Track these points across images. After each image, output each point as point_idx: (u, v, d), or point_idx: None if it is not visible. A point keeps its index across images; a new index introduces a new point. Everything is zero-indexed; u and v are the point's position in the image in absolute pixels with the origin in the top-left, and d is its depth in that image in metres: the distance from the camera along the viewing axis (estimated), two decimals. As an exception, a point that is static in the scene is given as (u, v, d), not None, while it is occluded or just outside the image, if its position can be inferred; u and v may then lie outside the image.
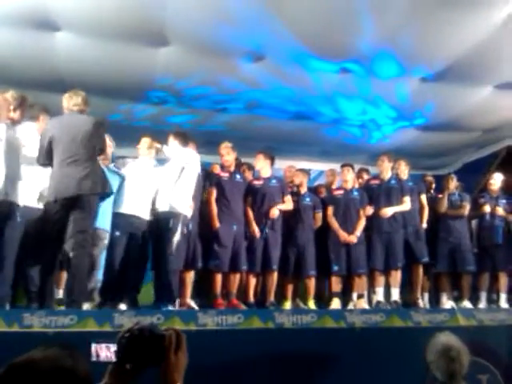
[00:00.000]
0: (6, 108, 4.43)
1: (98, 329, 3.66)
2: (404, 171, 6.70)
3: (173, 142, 5.45)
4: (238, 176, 6.02)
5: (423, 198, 6.72)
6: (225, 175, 5.92)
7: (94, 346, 1.47)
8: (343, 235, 6.14)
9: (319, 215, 6.37)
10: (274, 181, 6.14)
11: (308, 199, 6.36)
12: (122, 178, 5.49)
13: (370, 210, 6.30)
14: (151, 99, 6.74)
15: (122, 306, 4.88)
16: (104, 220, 5.20)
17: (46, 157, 4.49)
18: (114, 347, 1.45)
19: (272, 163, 6.30)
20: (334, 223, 6.24)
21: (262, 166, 6.20)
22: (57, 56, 5.55)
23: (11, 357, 1.22)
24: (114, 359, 1.44)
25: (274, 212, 5.90)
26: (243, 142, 6.50)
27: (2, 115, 4.35)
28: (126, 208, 5.33)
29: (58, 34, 5.24)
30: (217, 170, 6.09)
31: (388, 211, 6.26)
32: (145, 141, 5.65)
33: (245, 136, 7.21)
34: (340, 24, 5.32)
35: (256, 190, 6.04)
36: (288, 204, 6.09)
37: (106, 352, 1.49)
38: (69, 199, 4.35)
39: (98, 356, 1.47)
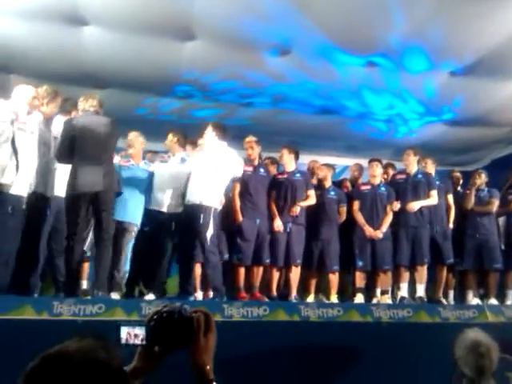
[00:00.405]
0: (39, 102, 4.52)
1: (125, 317, 3.70)
2: (431, 170, 6.62)
3: (210, 134, 5.41)
4: (261, 170, 6.00)
5: (450, 197, 6.60)
6: (248, 169, 5.88)
7: (123, 329, 1.48)
8: (369, 230, 6.09)
9: (343, 209, 6.33)
10: (298, 175, 6.10)
11: (332, 193, 6.31)
12: (151, 175, 5.61)
13: (397, 206, 6.24)
14: (176, 93, 6.78)
15: (150, 297, 4.97)
16: (132, 214, 5.34)
17: (67, 155, 4.57)
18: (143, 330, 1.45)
19: (296, 158, 6.27)
20: (360, 218, 6.20)
21: (287, 161, 6.17)
22: (85, 50, 5.62)
23: (41, 344, 1.23)
24: (143, 341, 1.43)
25: (296, 209, 5.86)
26: (268, 137, 6.50)
27: (34, 108, 4.44)
28: (152, 204, 5.48)
29: (86, 29, 5.31)
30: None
31: (415, 205, 6.19)
32: (170, 136, 5.72)
33: (270, 130, 7.20)
34: (368, 18, 5.27)
35: (280, 184, 6.01)
36: (311, 199, 6.03)
37: (135, 335, 1.49)
38: (94, 194, 4.49)
39: (127, 339, 1.48)
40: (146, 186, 5.52)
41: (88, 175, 4.47)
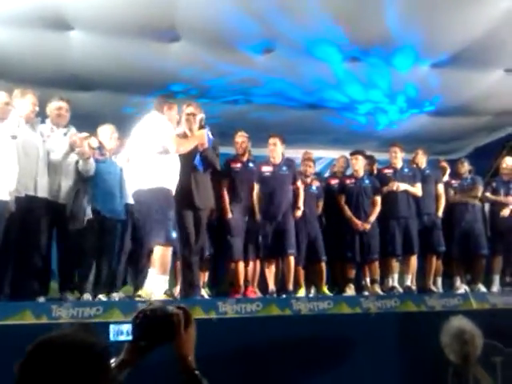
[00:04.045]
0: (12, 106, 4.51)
1: (123, 318, 3.75)
2: (422, 160, 6.74)
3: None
4: (251, 165, 6.00)
5: (440, 187, 6.67)
6: (237, 166, 5.89)
7: (112, 327, 1.60)
8: (356, 223, 6.20)
9: (321, 204, 6.41)
10: (284, 168, 5.99)
11: (314, 188, 6.38)
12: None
13: (395, 185, 6.31)
14: (162, 92, 6.80)
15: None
16: (118, 208, 5.23)
17: None
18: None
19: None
20: (347, 211, 6.29)
21: (278, 152, 6.01)
22: (71, 54, 5.64)
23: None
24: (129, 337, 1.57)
25: (299, 213, 5.91)
26: (254, 134, 6.56)
27: (7, 113, 4.40)
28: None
29: (72, 33, 5.34)
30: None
31: (400, 185, 6.30)
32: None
33: (253, 127, 7.22)
34: (350, 14, 5.34)
35: (266, 179, 5.90)
36: (301, 191, 6.02)
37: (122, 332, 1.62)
38: None
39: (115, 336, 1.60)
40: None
41: None
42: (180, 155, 4.75)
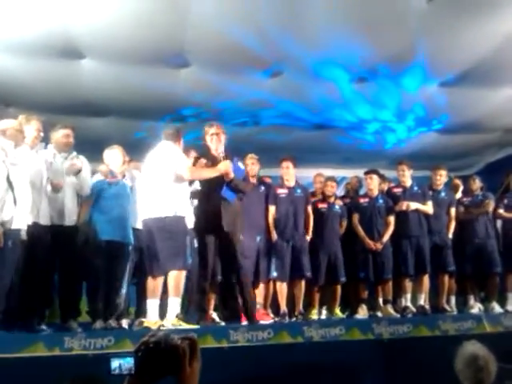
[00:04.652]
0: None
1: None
2: (443, 181, 6.69)
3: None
4: (262, 187, 6.04)
5: (453, 211, 6.61)
6: None
7: (113, 361, 1.56)
8: (369, 243, 6.18)
9: (345, 223, 6.42)
10: (298, 190, 6.09)
11: (337, 207, 6.39)
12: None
13: (405, 205, 6.29)
14: (173, 117, 6.89)
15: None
16: (128, 232, 5.20)
17: None
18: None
19: None
20: (360, 231, 6.27)
21: (291, 175, 6.11)
22: (83, 82, 5.79)
23: (53, 381, 1.36)
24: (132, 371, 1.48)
25: (308, 238, 5.96)
26: (264, 155, 6.61)
27: (20, 141, 4.33)
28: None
29: (83, 62, 5.47)
30: None
31: (411, 205, 6.29)
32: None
33: (264, 148, 7.28)
34: (356, 35, 5.40)
35: (282, 201, 5.98)
36: (311, 216, 6.08)
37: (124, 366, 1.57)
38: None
39: (117, 370, 1.55)
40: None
41: None
42: (207, 184, 4.88)
